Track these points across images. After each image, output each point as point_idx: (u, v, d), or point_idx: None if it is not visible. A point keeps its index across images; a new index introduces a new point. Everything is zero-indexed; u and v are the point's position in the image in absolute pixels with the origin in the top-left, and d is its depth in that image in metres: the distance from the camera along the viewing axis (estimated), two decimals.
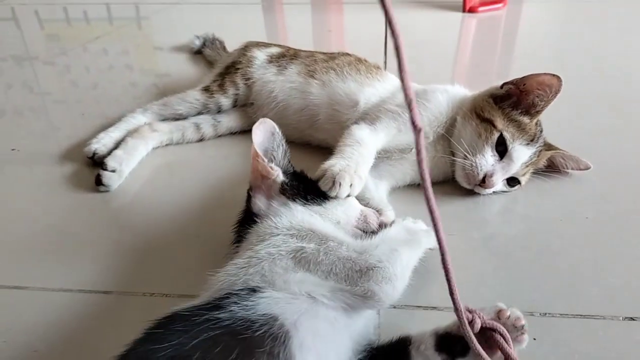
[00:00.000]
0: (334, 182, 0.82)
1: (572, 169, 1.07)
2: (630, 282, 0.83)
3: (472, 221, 0.98)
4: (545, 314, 0.78)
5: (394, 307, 0.78)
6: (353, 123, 1.05)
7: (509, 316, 0.65)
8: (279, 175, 0.80)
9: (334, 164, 0.86)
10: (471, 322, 0.62)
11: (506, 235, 0.95)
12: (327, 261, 0.66)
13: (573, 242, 0.92)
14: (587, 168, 1.05)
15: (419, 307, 0.79)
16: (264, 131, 0.80)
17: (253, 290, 0.62)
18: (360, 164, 0.89)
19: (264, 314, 0.59)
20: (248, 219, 0.78)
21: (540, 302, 0.80)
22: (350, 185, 0.83)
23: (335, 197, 0.82)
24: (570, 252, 0.90)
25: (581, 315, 0.77)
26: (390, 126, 1.02)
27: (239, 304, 0.60)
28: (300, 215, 0.76)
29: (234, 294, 0.62)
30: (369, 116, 1.05)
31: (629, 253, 0.90)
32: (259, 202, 0.79)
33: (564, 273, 0.85)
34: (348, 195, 0.83)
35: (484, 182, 0.97)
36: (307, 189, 0.81)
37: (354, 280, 0.65)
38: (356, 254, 0.68)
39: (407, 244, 0.72)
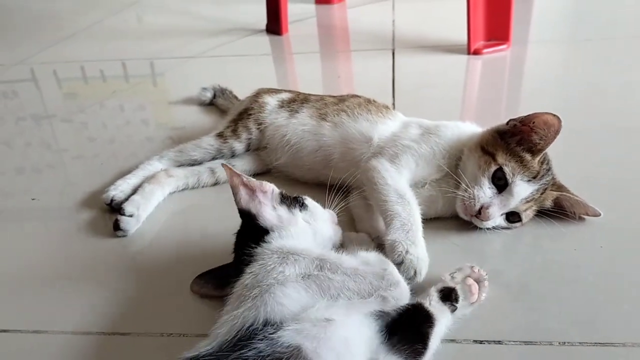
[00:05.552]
0: (415, 272, 0.85)
1: (580, 214, 1.03)
2: None
3: (484, 254, 0.99)
4: (564, 342, 0.77)
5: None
6: (369, 158, 1.08)
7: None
8: (274, 187, 0.82)
9: (405, 246, 0.87)
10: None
11: (520, 266, 0.95)
12: (337, 279, 0.69)
13: (589, 271, 0.91)
14: (596, 215, 1.01)
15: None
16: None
17: (275, 325, 0.64)
18: (416, 230, 0.91)
19: (288, 346, 0.61)
20: (248, 239, 0.80)
21: (557, 331, 0.79)
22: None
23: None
24: (587, 281, 0.89)
25: (600, 343, 0.76)
26: (410, 162, 1.05)
27: (263, 340, 0.62)
28: (301, 222, 0.81)
29: (257, 330, 0.64)
30: (387, 151, 1.08)
31: None
32: (268, 216, 0.80)
33: (580, 301, 0.85)
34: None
35: (480, 213, 0.98)
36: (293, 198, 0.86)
37: (367, 292, 0.69)
38: (358, 266, 0.72)
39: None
